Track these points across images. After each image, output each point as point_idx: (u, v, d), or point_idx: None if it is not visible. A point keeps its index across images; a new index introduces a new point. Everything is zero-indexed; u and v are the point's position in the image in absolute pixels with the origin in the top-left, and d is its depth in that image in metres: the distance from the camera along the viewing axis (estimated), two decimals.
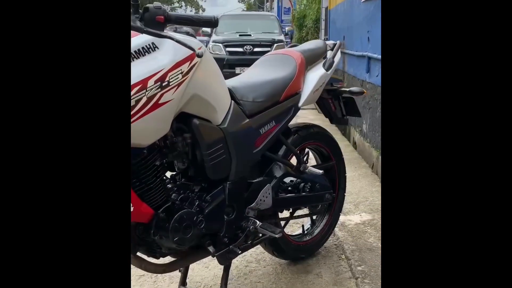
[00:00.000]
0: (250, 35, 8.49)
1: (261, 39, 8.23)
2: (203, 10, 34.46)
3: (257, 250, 2.09)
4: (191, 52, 1.26)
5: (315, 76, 1.85)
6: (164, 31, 1.23)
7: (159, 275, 1.92)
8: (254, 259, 2.05)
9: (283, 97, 1.70)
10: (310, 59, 1.87)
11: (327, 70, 1.88)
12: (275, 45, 7.92)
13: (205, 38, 9.48)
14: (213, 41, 8.36)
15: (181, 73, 1.27)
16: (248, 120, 1.56)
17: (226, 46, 8.17)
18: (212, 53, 8.29)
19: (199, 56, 1.28)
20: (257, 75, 1.75)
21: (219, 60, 8.10)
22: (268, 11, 22.11)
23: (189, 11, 37.44)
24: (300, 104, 1.80)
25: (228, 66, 7.73)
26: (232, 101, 1.54)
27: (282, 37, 8.53)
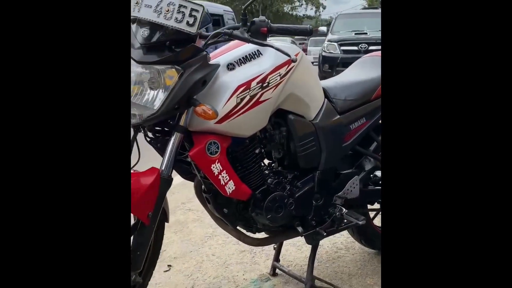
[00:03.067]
0: (366, 33, 8.37)
1: (377, 37, 8.07)
2: (324, 7, 34.53)
3: (348, 239, 2.25)
4: (288, 58, 1.48)
5: None
6: (267, 40, 1.47)
7: (257, 251, 2.19)
8: (344, 247, 2.22)
9: (375, 96, 1.84)
10: None
11: None
12: None
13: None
14: (328, 40, 8.47)
15: (279, 75, 1.50)
16: (339, 116, 1.73)
17: (341, 45, 8.20)
18: (326, 52, 8.41)
19: (294, 61, 1.49)
20: (352, 75, 1.91)
21: (333, 59, 8.22)
22: None
23: (310, 9, 37.67)
24: None
25: (342, 65, 7.76)
26: (325, 99, 1.73)
27: None
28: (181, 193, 2.98)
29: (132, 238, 1.40)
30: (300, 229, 1.69)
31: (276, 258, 1.99)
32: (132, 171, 1.37)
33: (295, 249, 2.21)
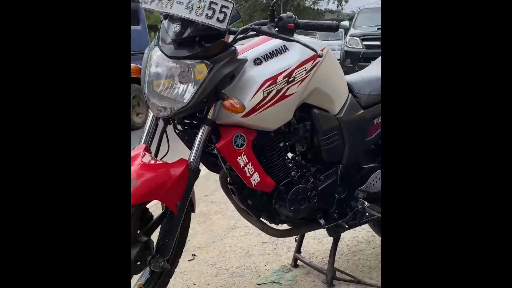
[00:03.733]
0: None
1: None
2: (346, 1, 34.18)
3: (369, 233, 2.27)
4: (314, 53, 1.51)
5: None
6: (294, 35, 1.50)
7: (278, 243, 2.23)
8: (364, 240, 2.25)
9: None
10: None
11: None
12: None
13: None
14: (350, 35, 8.43)
15: (305, 70, 1.53)
16: (363, 111, 1.76)
17: (363, 40, 8.16)
18: (348, 47, 8.37)
19: (320, 56, 1.52)
20: (376, 71, 1.93)
21: (355, 54, 8.18)
22: None
23: (332, 3, 37.36)
24: None
25: (364, 60, 7.73)
26: (350, 94, 1.75)
27: None
28: (204, 186, 3.05)
29: (160, 227, 1.46)
30: (322, 221, 1.72)
31: (298, 250, 2.03)
32: (161, 162, 1.42)
33: (316, 242, 2.24)
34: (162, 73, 1.34)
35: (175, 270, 1.67)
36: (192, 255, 2.16)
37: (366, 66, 2.16)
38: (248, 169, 1.50)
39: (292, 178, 1.64)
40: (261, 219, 1.72)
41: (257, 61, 1.48)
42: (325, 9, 35.50)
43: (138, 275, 1.54)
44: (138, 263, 1.41)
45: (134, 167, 1.35)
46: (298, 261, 2.04)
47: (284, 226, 1.78)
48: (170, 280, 1.64)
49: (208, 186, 3.04)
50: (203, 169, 1.44)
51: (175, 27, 1.33)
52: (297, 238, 2.04)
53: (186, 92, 1.34)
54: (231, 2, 1.27)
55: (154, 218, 1.50)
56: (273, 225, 1.76)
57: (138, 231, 1.44)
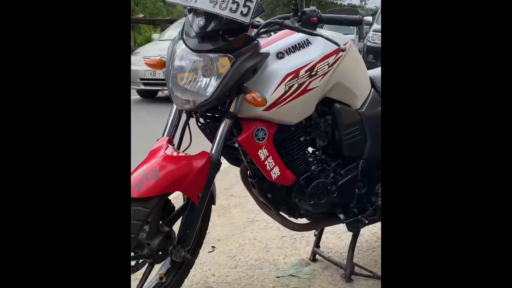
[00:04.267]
0: None
1: None
2: None
3: None
4: (337, 47, 1.51)
5: None
6: (317, 30, 1.50)
7: (297, 237, 2.25)
8: None
9: None
10: None
11: None
12: None
13: None
14: (373, 30, 8.34)
15: (328, 64, 1.53)
16: None
17: None
18: (371, 42, 8.29)
19: (343, 50, 1.52)
20: None
21: (378, 49, 8.09)
22: None
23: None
24: None
25: None
26: (372, 89, 1.75)
27: None
28: (224, 179, 3.08)
29: (182, 217, 1.49)
30: (342, 216, 1.73)
31: (317, 244, 2.04)
32: (183, 154, 1.45)
33: (335, 237, 2.25)
34: (186, 66, 1.37)
35: (195, 261, 1.70)
36: (212, 247, 2.19)
37: None
38: (269, 162, 1.51)
39: (312, 172, 1.65)
40: (280, 212, 1.74)
41: (280, 55, 1.48)
42: (348, 4, 35.12)
43: (160, 265, 1.58)
44: (160, 252, 1.45)
45: (157, 159, 1.38)
46: (317, 256, 2.05)
47: (303, 220, 1.79)
48: (190, 270, 1.68)
49: (228, 179, 3.07)
50: (223, 162, 1.47)
51: (199, 21, 1.35)
52: (316, 233, 2.05)
53: (209, 85, 1.36)
54: None
55: (175, 209, 1.53)
56: (293, 219, 1.77)
57: (160, 222, 1.48)
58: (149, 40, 19.70)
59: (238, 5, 1.28)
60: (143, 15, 19.22)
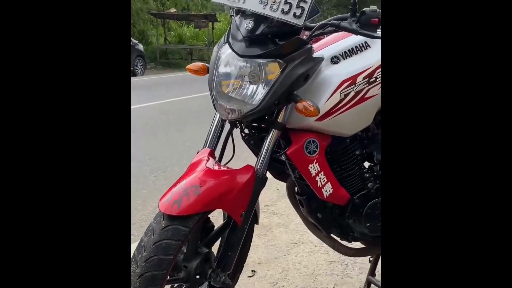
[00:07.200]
0: None
1: None
2: None
3: None
4: None
5: None
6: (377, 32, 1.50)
7: (349, 263, 2.23)
8: None
9: None
10: None
11: None
12: None
13: None
14: None
15: None
16: None
17: None
18: None
19: None
20: None
21: None
22: None
23: None
24: None
25: None
26: None
27: None
28: (265, 195, 3.09)
29: (221, 238, 1.51)
30: None
31: (372, 272, 2.01)
32: (226, 168, 1.47)
33: None
34: (232, 72, 1.38)
35: (235, 286, 1.72)
36: (252, 271, 2.21)
37: None
38: (320, 178, 1.51)
39: (369, 190, 1.64)
40: (331, 235, 1.73)
41: (335, 60, 1.49)
42: None
43: None
44: (198, 276, 1.46)
45: (198, 173, 1.39)
46: (372, 285, 2.02)
47: (357, 244, 1.78)
48: None
49: (269, 195, 3.07)
50: None
51: (248, 24, 1.36)
52: (371, 259, 2.02)
53: (257, 93, 1.36)
54: None
55: (215, 228, 1.56)
56: (345, 243, 1.76)
57: (199, 242, 1.50)
58: (181, 38, 19.97)
59: (290, 6, 1.28)
60: (174, 10, 19.56)
